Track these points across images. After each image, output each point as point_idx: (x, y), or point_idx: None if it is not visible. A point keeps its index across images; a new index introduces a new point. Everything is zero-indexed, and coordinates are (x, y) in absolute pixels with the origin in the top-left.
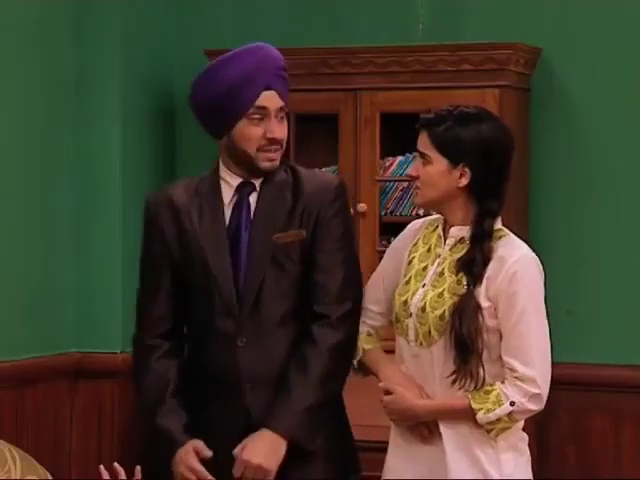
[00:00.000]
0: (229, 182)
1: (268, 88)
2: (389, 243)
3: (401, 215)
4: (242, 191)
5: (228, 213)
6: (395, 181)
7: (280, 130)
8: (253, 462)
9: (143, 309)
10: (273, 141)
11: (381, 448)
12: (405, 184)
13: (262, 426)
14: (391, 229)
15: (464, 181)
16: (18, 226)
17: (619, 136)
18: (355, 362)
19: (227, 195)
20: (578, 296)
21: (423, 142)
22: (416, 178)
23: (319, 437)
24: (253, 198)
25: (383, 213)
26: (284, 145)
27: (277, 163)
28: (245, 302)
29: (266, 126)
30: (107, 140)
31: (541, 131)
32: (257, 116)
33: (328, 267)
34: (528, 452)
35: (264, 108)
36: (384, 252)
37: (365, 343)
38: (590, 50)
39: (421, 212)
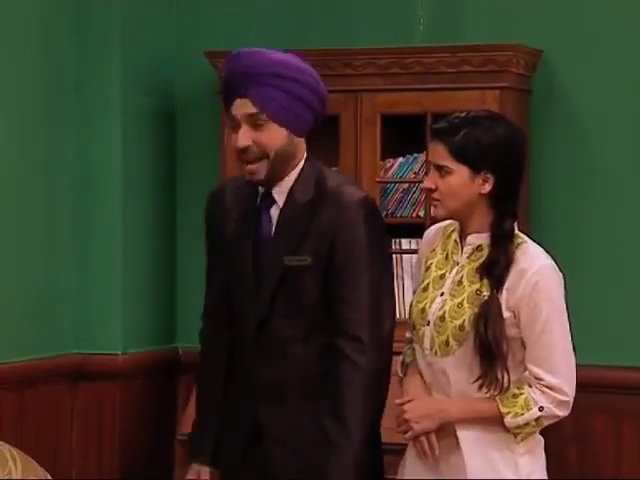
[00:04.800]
0: (259, 190)
1: (242, 96)
2: (390, 244)
3: (402, 216)
4: (262, 204)
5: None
6: (396, 182)
7: (243, 137)
8: None
9: (205, 301)
10: (240, 150)
11: (390, 450)
12: (405, 185)
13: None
14: (392, 231)
15: (487, 187)
16: (18, 226)
17: (620, 137)
18: (403, 376)
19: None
20: (579, 297)
21: (439, 153)
22: (434, 191)
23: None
24: (275, 212)
25: (384, 215)
26: (271, 152)
27: (260, 176)
28: (258, 314)
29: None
30: (107, 140)
31: (542, 132)
32: (233, 125)
33: (352, 300)
34: (544, 456)
35: (233, 117)
36: None
37: (407, 357)
38: (590, 51)
39: (421, 214)
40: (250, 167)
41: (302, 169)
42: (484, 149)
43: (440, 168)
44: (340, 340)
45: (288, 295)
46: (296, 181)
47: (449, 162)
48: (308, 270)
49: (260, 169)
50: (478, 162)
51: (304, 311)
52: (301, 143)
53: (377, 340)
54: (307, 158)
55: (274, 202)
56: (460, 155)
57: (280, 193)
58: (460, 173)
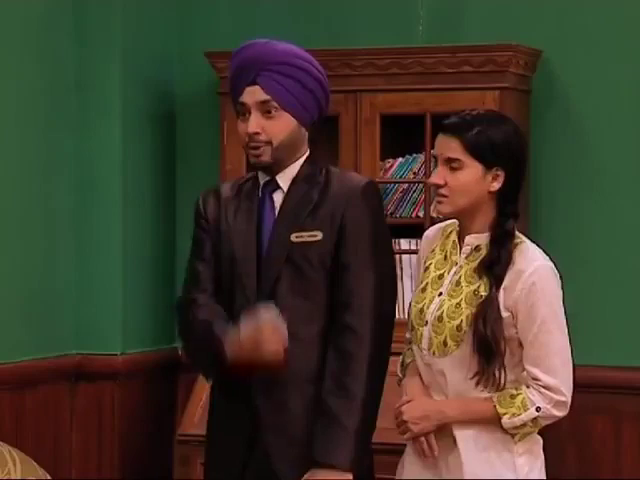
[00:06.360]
0: (260, 181)
1: (252, 84)
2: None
3: (401, 217)
4: (264, 190)
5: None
6: (395, 183)
7: (253, 123)
8: None
9: (193, 272)
10: (251, 136)
11: (390, 450)
12: (405, 186)
13: (320, 461)
14: (391, 231)
15: (496, 185)
16: (18, 226)
17: (619, 137)
18: (402, 375)
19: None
20: (578, 297)
21: (452, 148)
22: (442, 186)
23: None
24: (278, 196)
25: None
26: (276, 141)
27: (265, 158)
28: (260, 298)
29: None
30: (107, 140)
31: (541, 133)
32: (242, 112)
33: (360, 274)
34: (542, 456)
35: (243, 104)
36: None
37: (407, 357)
38: (590, 52)
39: (421, 214)
40: (256, 152)
41: (306, 159)
42: (496, 146)
43: (451, 162)
44: (343, 314)
45: (294, 272)
46: (301, 168)
47: (463, 157)
48: (316, 246)
49: (265, 152)
50: (491, 159)
51: (308, 291)
52: (305, 136)
53: (379, 313)
54: (310, 154)
55: (277, 188)
56: (475, 151)
57: (284, 179)
58: (473, 169)
